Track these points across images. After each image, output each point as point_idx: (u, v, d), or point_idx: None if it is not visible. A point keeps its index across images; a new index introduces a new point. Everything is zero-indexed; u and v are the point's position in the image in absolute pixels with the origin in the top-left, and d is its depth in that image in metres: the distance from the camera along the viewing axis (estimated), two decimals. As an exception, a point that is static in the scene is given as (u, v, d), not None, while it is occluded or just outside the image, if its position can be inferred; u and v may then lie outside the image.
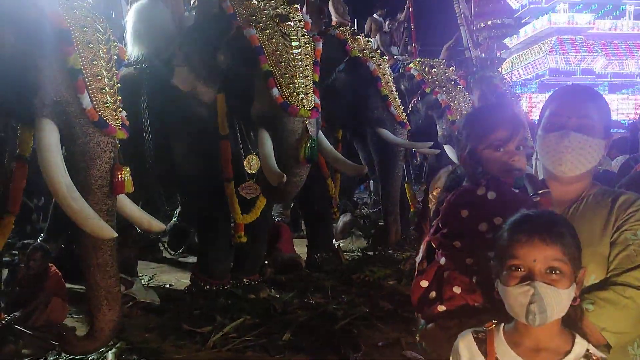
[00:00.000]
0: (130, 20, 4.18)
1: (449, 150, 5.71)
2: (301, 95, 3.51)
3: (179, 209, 5.65)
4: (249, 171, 4.03)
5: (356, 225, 6.46)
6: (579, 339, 1.34)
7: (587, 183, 1.63)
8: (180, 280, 4.76)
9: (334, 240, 5.89)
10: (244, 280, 4.28)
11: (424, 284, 1.56)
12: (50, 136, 2.55)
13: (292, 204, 7.58)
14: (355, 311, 3.87)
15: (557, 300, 1.26)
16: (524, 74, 25.77)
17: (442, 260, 1.54)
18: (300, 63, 3.56)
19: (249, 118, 3.66)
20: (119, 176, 2.62)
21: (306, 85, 3.56)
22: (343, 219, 6.31)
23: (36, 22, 2.49)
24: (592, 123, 1.57)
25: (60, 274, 3.65)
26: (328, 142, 4.35)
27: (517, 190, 1.54)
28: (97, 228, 2.51)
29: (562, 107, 1.61)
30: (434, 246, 1.58)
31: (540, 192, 1.52)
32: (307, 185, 5.19)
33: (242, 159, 3.99)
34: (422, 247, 1.62)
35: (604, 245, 1.51)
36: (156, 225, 2.94)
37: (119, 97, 2.68)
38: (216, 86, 3.78)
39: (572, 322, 1.38)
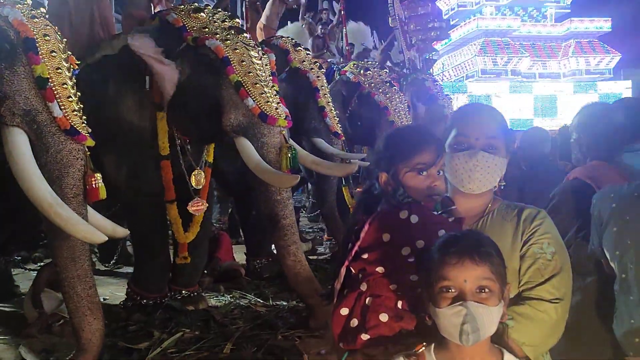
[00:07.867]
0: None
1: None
2: (274, 104, 3.44)
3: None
4: (195, 187, 3.86)
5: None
6: (507, 355, 1.40)
7: (489, 198, 1.73)
8: (115, 293, 4.61)
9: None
10: (182, 291, 4.18)
11: (345, 311, 1.50)
12: (24, 145, 2.51)
13: (230, 210, 7.50)
14: (296, 319, 3.87)
15: (489, 318, 1.31)
16: (455, 75, 26.54)
17: (363, 286, 1.49)
18: (264, 73, 3.50)
19: (199, 132, 3.50)
20: (93, 183, 2.62)
21: (275, 95, 3.51)
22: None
23: (1, 32, 2.44)
24: (497, 143, 1.67)
25: None
26: (302, 147, 4.28)
27: (436, 213, 1.56)
28: (89, 233, 2.52)
29: (469, 127, 1.69)
30: (354, 272, 1.54)
31: (449, 209, 1.58)
32: (244, 192, 5.17)
33: (186, 177, 3.80)
34: (341, 273, 1.56)
35: (515, 260, 1.58)
36: (120, 230, 2.91)
37: (81, 105, 2.65)
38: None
39: (498, 338, 1.43)
